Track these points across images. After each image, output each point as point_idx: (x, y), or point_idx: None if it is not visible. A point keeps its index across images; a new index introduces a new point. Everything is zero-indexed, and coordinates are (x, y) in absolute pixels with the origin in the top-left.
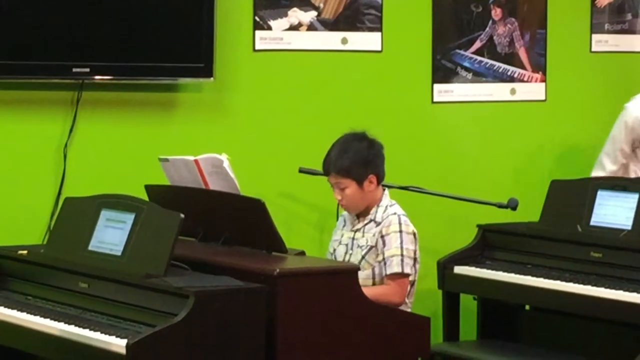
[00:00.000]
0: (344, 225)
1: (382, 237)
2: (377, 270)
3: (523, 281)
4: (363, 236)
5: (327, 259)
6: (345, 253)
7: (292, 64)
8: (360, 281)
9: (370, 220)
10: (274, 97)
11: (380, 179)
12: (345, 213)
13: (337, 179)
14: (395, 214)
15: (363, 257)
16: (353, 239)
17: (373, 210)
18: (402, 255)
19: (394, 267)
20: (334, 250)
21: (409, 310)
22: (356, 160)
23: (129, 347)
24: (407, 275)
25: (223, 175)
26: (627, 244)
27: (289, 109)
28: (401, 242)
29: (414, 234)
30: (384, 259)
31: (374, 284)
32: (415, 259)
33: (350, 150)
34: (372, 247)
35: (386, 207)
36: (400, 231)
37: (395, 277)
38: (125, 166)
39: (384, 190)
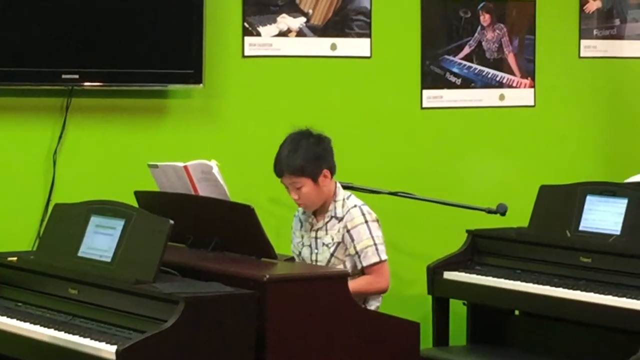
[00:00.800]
0: (301, 226)
1: (349, 231)
2: (349, 264)
3: (512, 286)
4: (327, 234)
5: (317, 265)
6: (311, 253)
7: (281, 70)
8: None
9: (331, 217)
10: (263, 103)
11: (332, 172)
12: (298, 213)
13: (292, 179)
14: (355, 206)
15: (332, 255)
16: (316, 238)
17: (331, 207)
18: (375, 244)
19: (371, 258)
20: (299, 252)
21: (379, 298)
22: (308, 158)
23: (118, 353)
24: (385, 261)
25: (212, 181)
26: (616, 249)
27: (278, 115)
28: (370, 232)
29: (377, 220)
30: (357, 252)
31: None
32: (384, 245)
33: (299, 148)
34: (339, 242)
35: (343, 200)
36: (366, 221)
37: (374, 266)
38: (115, 172)
39: (336, 184)
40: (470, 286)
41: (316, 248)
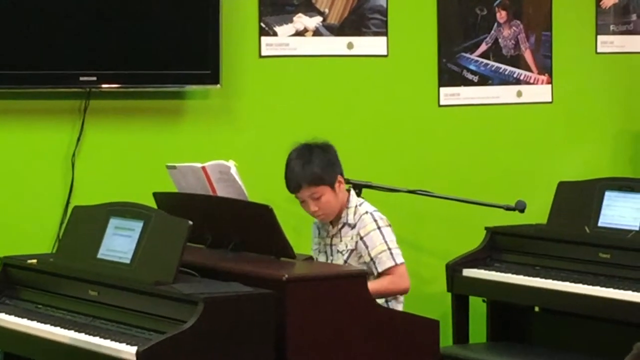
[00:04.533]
0: (318, 233)
1: (362, 238)
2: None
3: (532, 283)
4: (341, 241)
5: (336, 264)
6: (327, 260)
7: (298, 70)
8: None
9: (344, 224)
10: (280, 102)
11: (344, 177)
12: (316, 221)
13: (311, 189)
14: (367, 212)
15: (345, 262)
16: (331, 245)
17: (344, 214)
18: (389, 248)
19: (386, 263)
20: (316, 259)
21: (401, 302)
22: (323, 165)
23: (139, 354)
24: (401, 263)
25: (231, 181)
26: (635, 244)
27: (295, 114)
28: (383, 237)
29: (390, 225)
30: (371, 259)
31: None
32: (399, 249)
33: (311, 159)
34: (352, 250)
35: (355, 207)
36: (379, 227)
37: (390, 270)
38: (133, 174)
39: (348, 191)
40: (489, 283)
41: (331, 255)
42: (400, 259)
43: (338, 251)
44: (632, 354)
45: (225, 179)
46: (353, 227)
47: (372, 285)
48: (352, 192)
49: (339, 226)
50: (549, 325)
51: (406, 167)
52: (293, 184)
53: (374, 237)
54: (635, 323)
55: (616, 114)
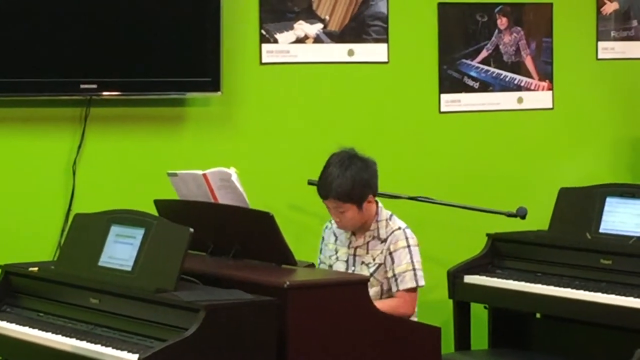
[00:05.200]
0: (335, 240)
1: (391, 253)
2: (385, 287)
3: (533, 289)
4: (367, 253)
5: (337, 271)
6: (347, 269)
7: (298, 77)
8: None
9: (373, 237)
10: (281, 109)
11: (375, 195)
12: (332, 226)
13: (337, 203)
14: (399, 228)
15: (372, 275)
16: (355, 255)
17: (373, 226)
18: (414, 269)
19: (408, 283)
20: (330, 266)
21: (415, 318)
22: (355, 184)
23: None
24: (421, 286)
25: (232, 188)
26: (637, 250)
27: (296, 122)
28: (411, 257)
29: (418, 245)
30: (394, 275)
31: (380, 298)
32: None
33: (347, 173)
34: (380, 264)
35: (386, 221)
36: (409, 246)
37: (408, 292)
38: (134, 181)
39: (377, 203)
40: (491, 290)
41: (353, 265)
42: (422, 282)
43: (363, 263)
44: None
45: (226, 186)
46: (384, 241)
47: (380, 304)
48: (381, 205)
49: (367, 239)
50: (551, 331)
51: (407, 173)
52: (322, 192)
53: (402, 254)
54: (636, 329)
55: (617, 120)
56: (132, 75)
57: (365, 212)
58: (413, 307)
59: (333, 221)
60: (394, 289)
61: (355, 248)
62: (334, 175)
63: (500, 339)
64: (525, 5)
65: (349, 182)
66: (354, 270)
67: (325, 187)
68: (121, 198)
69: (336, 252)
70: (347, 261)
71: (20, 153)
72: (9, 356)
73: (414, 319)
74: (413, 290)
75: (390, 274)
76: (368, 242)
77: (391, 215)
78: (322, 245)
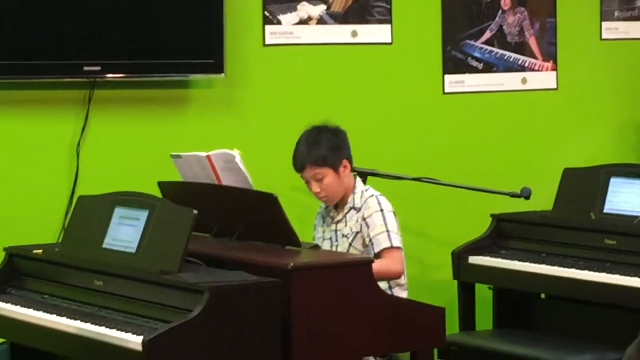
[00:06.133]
0: (323, 222)
1: (365, 220)
2: (365, 255)
3: (538, 270)
4: (346, 225)
5: (341, 252)
6: (332, 246)
7: (302, 59)
8: None
9: (350, 209)
10: (285, 91)
11: (351, 164)
12: (321, 210)
13: (314, 170)
14: (372, 196)
15: (350, 245)
16: (336, 231)
17: (350, 199)
18: (387, 231)
19: (383, 244)
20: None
21: (405, 290)
22: (329, 148)
23: (145, 343)
24: (398, 248)
25: (235, 170)
26: None
27: (300, 103)
28: (384, 220)
29: (394, 212)
30: (370, 240)
31: None
32: (399, 235)
33: (319, 141)
34: (357, 232)
35: (362, 192)
36: (382, 210)
37: (387, 251)
38: (138, 164)
39: (355, 177)
40: (495, 270)
41: (336, 240)
42: (397, 243)
43: (343, 235)
44: (638, 341)
45: (230, 168)
46: (359, 210)
47: None
48: (358, 179)
49: (345, 211)
50: (555, 312)
51: (411, 154)
52: (298, 164)
53: (375, 219)
54: None
55: (621, 100)
56: (136, 57)
57: (344, 178)
58: (400, 264)
59: (323, 205)
60: (372, 253)
61: (337, 223)
62: (305, 146)
63: (505, 320)
64: None
65: (322, 147)
66: (337, 246)
67: (301, 158)
68: (125, 180)
69: (323, 233)
70: (330, 239)
71: (24, 136)
72: (14, 338)
73: (404, 279)
74: (390, 249)
75: (367, 240)
76: (346, 214)
77: (368, 188)
78: (315, 232)
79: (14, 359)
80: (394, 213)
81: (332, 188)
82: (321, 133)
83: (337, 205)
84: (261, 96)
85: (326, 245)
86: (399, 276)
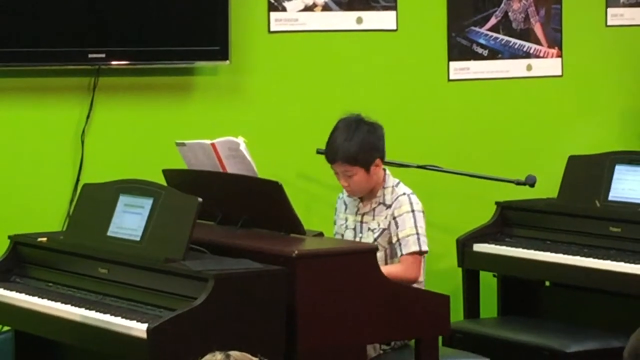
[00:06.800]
0: (345, 209)
1: (395, 218)
2: (389, 252)
3: (542, 257)
4: (374, 219)
5: (346, 240)
6: (355, 236)
7: (307, 45)
8: None
9: (379, 203)
10: (289, 78)
11: (383, 160)
12: (343, 196)
13: (345, 167)
14: (404, 194)
15: (375, 240)
16: (362, 222)
17: (380, 193)
18: (417, 233)
19: (412, 246)
20: (342, 235)
21: (422, 285)
22: (363, 147)
23: (149, 331)
24: (424, 252)
25: (240, 158)
26: None
27: (305, 90)
28: (415, 221)
29: (423, 211)
30: (398, 240)
31: (386, 264)
32: (426, 237)
33: (355, 137)
34: (384, 229)
35: (392, 187)
36: (413, 210)
37: (412, 255)
38: (143, 151)
39: (385, 171)
40: (500, 258)
41: (360, 232)
42: (425, 247)
43: (369, 229)
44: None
45: (234, 155)
46: (389, 207)
47: (384, 269)
48: (388, 172)
49: (373, 205)
50: (560, 299)
51: (416, 142)
52: (330, 156)
53: (406, 218)
54: None
55: (626, 87)
56: (140, 44)
57: (373, 176)
58: (418, 271)
59: (344, 191)
60: (398, 253)
61: (363, 215)
62: (341, 139)
63: (509, 307)
64: None
65: (356, 145)
66: (361, 237)
67: (333, 151)
68: (130, 168)
69: (346, 221)
70: (354, 229)
71: (28, 123)
72: (19, 326)
73: (421, 285)
74: (417, 254)
75: (394, 239)
76: (374, 208)
77: (398, 183)
78: (335, 217)
79: (18, 347)
80: (424, 212)
81: (360, 185)
82: (358, 127)
83: (362, 197)
84: (266, 83)
85: (349, 235)
86: (414, 282)
